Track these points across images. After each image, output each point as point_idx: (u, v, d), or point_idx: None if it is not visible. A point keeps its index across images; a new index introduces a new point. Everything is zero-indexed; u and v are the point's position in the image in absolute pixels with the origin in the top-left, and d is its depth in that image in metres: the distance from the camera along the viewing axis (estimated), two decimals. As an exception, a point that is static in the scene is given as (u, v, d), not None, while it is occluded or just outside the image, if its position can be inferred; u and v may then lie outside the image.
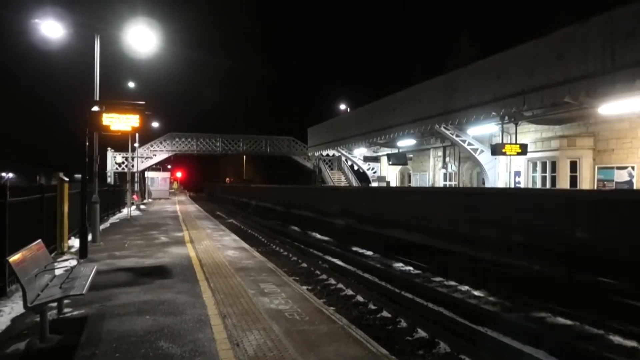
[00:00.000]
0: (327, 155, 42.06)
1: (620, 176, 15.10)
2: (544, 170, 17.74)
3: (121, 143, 38.30)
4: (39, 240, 6.74)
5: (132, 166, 37.11)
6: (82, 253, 11.20)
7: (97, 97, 13.52)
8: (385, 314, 8.77)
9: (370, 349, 5.22)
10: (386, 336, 7.52)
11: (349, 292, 10.49)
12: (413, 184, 29.35)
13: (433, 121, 19.79)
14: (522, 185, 18.65)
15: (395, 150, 27.65)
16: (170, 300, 7.23)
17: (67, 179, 12.13)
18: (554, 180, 17.11)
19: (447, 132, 19.59)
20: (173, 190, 65.04)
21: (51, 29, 12.61)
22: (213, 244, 13.61)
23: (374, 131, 26.13)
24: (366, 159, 34.08)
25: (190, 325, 6.01)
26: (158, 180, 52.33)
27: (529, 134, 18.63)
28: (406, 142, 25.71)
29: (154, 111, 46.23)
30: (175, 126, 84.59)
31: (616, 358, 6.40)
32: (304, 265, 13.94)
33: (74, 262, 7.18)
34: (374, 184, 33.24)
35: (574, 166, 16.47)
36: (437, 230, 12.11)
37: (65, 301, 6.55)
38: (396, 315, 8.51)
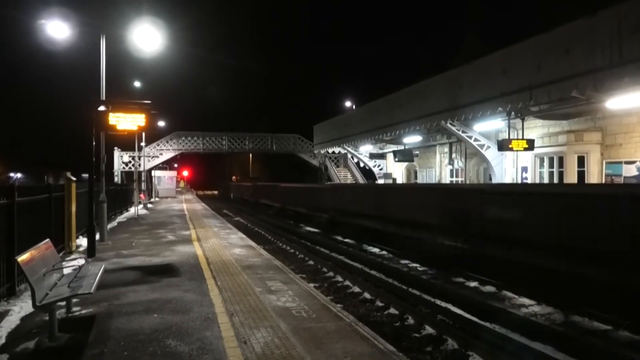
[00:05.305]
0: (333, 152, 42.05)
1: (629, 171, 14.98)
2: (551, 165, 17.64)
3: (128, 142, 38.55)
4: (47, 239, 6.77)
5: (139, 165, 37.30)
6: (90, 252, 11.26)
7: (103, 96, 13.57)
8: (392, 310, 8.76)
9: (378, 346, 5.21)
10: (393, 333, 7.51)
11: (356, 289, 10.49)
12: (419, 180, 29.28)
13: (439, 117, 19.72)
14: (529, 181, 18.55)
15: (401, 147, 27.59)
16: (177, 298, 7.25)
17: (74, 179, 12.20)
18: (561, 175, 17.01)
19: (453, 128, 19.52)
20: (180, 189, 65.35)
21: (57, 29, 12.64)
22: (220, 242, 13.64)
23: (380, 128, 26.08)
24: (372, 156, 34.03)
25: (198, 323, 6.03)
26: (165, 179, 52.57)
27: (535, 129, 18.52)
28: (412, 139, 25.64)
29: (160, 110, 46.43)
30: (182, 125, 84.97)
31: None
32: (311, 262, 13.95)
33: (82, 261, 7.23)
34: (380, 181, 33.20)
35: (581, 161, 16.36)
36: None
37: (74, 300, 6.59)
38: (403, 312, 8.49)
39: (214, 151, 51.07)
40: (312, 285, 9.34)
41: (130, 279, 8.72)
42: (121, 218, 22.51)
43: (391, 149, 29.94)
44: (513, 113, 16.92)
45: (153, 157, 47.01)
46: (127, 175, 44.64)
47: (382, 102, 26.36)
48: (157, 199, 45.31)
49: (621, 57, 11.72)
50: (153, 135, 44.67)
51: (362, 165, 37.61)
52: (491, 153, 19.45)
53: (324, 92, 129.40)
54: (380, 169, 34.61)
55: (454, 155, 24.97)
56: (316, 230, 22.25)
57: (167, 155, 48.23)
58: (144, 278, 8.77)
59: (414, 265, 13.22)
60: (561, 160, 17.06)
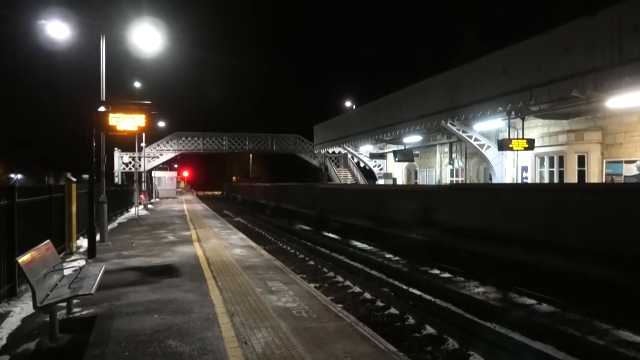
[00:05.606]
0: (333, 152, 42.04)
1: (629, 170, 14.97)
2: (551, 165, 17.63)
3: (128, 143, 38.55)
4: (48, 240, 6.78)
5: (139, 166, 37.31)
6: (91, 253, 11.27)
7: (103, 97, 13.57)
8: (393, 310, 8.76)
9: (379, 346, 5.21)
10: (394, 333, 7.50)
11: (357, 289, 10.49)
12: (419, 180, 29.28)
13: (439, 117, 19.71)
14: (529, 181, 18.54)
15: (401, 147, 27.59)
16: (178, 299, 7.26)
17: (74, 180, 12.21)
18: (561, 175, 17.01)
19: (454, 128, 19.51)
20: (180, 190, 65.37)
21: (57, 30, 12.63)
22: (220, 243, 13.65)
23: (380, 128, 26.07)
24: (372, 156, 34.03)
25: (199, 323, 6.03)
26: (165, 179, 52.62)
27: (536, 128, 18.51)
28: (412, 139, 25.63)
29: (160, 111, 46.27)
30: (182, 125, 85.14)
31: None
32: (311, 262, 13.94)
33: (82, 262, 7.22)
34: (380, 181, 33.20)
35: (582, 160, 16.35)
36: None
37: (74, 301, 6.59)
38: (404, 312, 8.49)
39: (214, 151, 51.06)
40: (312, 285, 9.34)
41: (130, 279, 8.73)
42: (121, 219, 22.51)
43: (391, 149, 29.92)
44: (513, 113, 16.91)
45: (153, 157, 47.01)
46: (128, 176, 44.66)
47: (383, 101, 26.34)
48: (157, 199, 45.33)
49: (621, 56, 11.71)
50: (153, 136, 44.75)
51: (362, 165, 37.62)
52: (491, 153, 19.45)
53: (324, 92, 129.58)
54: (381, 169, 34.61)
55: (454, 155, 24.97)
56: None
57: (167, 155, 48.23)
58: (145, 279, 8.78)
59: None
60: (561, 160, 17.05)
